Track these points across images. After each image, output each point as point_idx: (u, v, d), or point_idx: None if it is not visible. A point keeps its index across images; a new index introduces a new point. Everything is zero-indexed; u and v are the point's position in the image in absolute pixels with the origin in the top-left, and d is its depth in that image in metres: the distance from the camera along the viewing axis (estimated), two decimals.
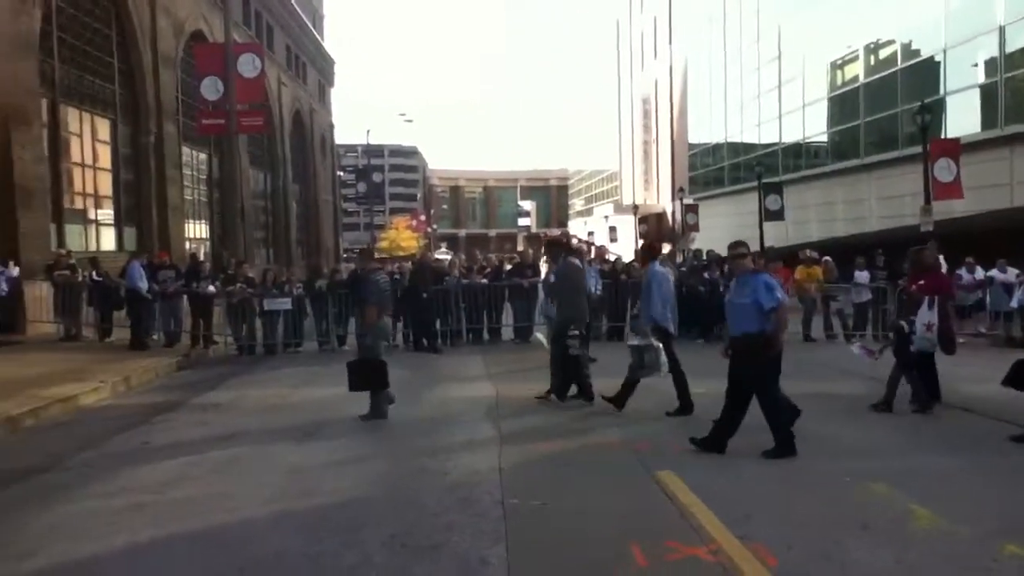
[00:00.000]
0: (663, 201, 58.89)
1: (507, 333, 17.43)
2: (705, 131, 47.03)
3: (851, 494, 6.13)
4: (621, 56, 72.55)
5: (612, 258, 18.89)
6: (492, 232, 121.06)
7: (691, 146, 49.82)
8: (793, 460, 7.13)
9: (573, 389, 10.02)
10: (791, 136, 36.05)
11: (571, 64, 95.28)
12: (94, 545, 5.31)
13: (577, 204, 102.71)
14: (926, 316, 9.21)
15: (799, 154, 35.54)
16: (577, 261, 10.50)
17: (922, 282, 9.65)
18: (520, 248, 52.65)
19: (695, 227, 41.50)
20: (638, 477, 6.72)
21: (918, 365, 9.40)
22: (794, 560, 4.79)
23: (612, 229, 62.34)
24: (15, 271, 16.74)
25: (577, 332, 9.84)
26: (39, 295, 17.08)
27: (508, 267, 18.98)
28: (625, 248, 46.73)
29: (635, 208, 58.47)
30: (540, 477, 6.79)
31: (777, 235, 31.85)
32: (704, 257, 19.55)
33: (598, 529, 5.44)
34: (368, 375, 9.26)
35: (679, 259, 23.77)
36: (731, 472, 6.80)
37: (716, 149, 45.41)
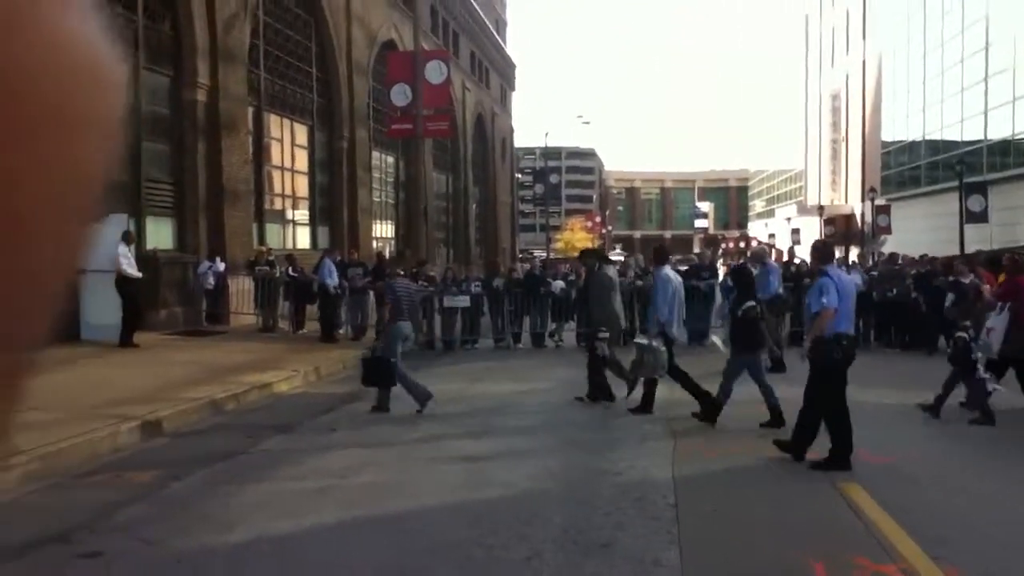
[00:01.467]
0: (851, 202, 55.92)
1: (681, 335, 17.11)
2: (900, 128, 44.28)
3: None
4: (809, 51, 69.61)
5: (798, 260, 18.16)
6: (668, 234, 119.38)
7: (884, 144, 47.03)
8: (993, 479, 6.61)
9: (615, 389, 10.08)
10: (998, 132, 33.31)
11: (753, 61, 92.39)
12: (286, 523, 5.69)
13: (758, 205, 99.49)
14: (993, 321, 9.09)
15: (1006, 152, 32.79)
16: (610, 270, 10.56)
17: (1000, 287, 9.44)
18: (696, 250, 51.62)
19: (887, 229, 39.17)
20: (820, 487, 6.45)
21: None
22: None
23: (795, 231, 59.87)
24: (222, 266, 18.15)
25: (607, 334, 10.19)
26: (242, 289, 18.45)
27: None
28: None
29: (820, 209, 55.84)
30: (715, 482, 6.66)
31: (980, 238, 29.55)
32: (900, 261, 18.44)
33: (777, 539, 5.27)
34: (378, 373, 9.68)
35: (869, 262, 22.50)
36: (923, 488, 6.39)
37: (912, 147, 42.64)
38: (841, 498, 6.13)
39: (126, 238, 14.33)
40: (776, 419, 8.57)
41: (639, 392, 9.67)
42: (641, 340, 9.66)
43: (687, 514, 5.71)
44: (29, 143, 0.27)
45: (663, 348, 9.34)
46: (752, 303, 9.02)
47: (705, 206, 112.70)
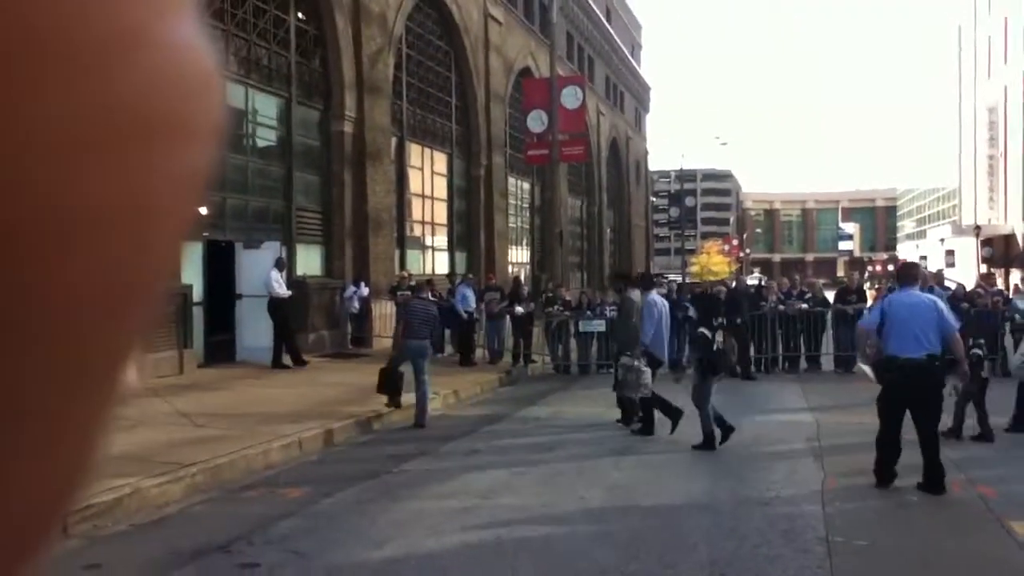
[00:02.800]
0: (1011, 221, 52.47)
1: (827, 362, 16.47)
2: None
3: None
4: (963, 64, 66.05)
5: (953, 285, 17.18)
6: (809, 256, 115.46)
7: None
8: None
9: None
10: None
11: (901, 76, 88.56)
12: (432, 542, 5.81)
13: (907, 226, 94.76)
14: None
15: None
16: (634, 294, 10.46)
17: None
18: (840, 273, 49.51)
19: None
20: (985, 524, 6.04)
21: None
22: None
23: (949, 253, 56.63)
24: (366, 291, 18.81)
25: (630, 356, 10.14)
26: (384, 313, 19.04)
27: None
28: (966, 274, 42.24)
29: (977, 229, 52.62)
30: (868, 515, 6.35)
31: None
32: None
33: None
34: (385, 382, 10.86)
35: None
36: None
37: None
38: (1008, 534, 5.72)
39: (279, 264, 15.14)
40: (706, 442, 8.86)
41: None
42: (626, 360, 10.03)
43: (840, 549, 5.46)
44: (151, 154, 0.29)
45: (646, 368, 9.77)
46: (702, 329, 9.38)
47: (850, 227, 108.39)
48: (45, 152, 0.27)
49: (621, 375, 10.02)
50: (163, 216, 0.30)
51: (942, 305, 7.25)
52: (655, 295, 10.42)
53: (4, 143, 0.26)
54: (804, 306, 16.83)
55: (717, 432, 8.91)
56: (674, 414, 9.70)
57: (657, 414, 9.82)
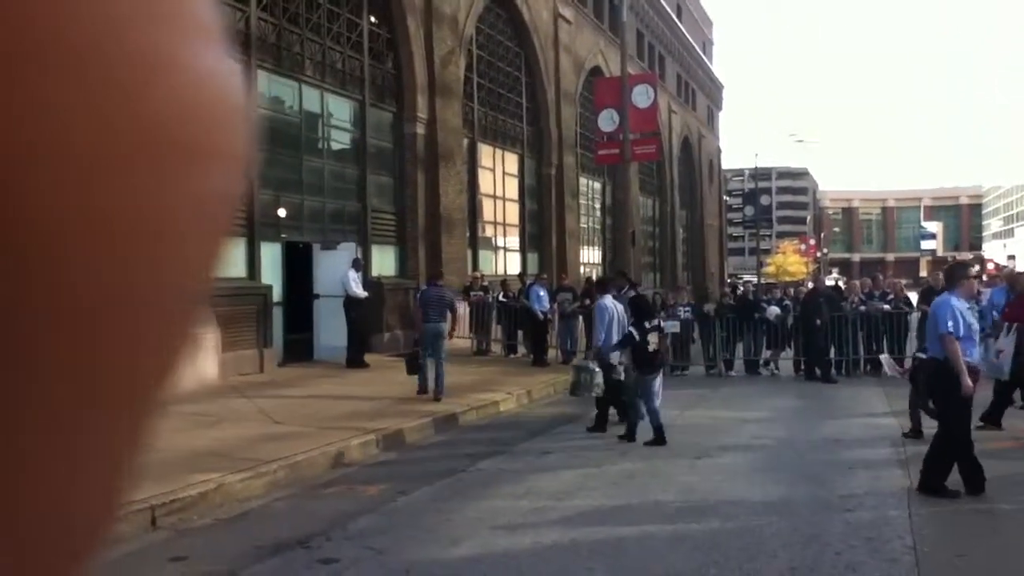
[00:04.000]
0: None
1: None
2: None
3: None
4: None
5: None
6: (890, 256, 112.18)
7: None
8: None
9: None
10: None
11: (985, 70, 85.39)
12: (505, 541, 5.82)
13: (993, 224, 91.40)
14: (1002, 343, 9.22)
15: None
16: (606, 299, 11.06)
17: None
18: (923, 274, 48.03)
19: None
20: None
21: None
22: None
23: None
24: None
25: (586, 358, 11.29)
26: (458, 314, 19.18)
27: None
28: None
29: None
30: (957, 523, 6.14)
31: None
32: None
33: None
34: (409, 364, 11.98)
35: None
36: None
37: None
38: None
39: (356, 264, 15.43)
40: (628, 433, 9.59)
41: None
42: (580, 362, 11.19)
43: (929, 559, 5.28)
44: (172, 179, 0.30)
45: (598, 370, 10.34)
46: (631, 329, 9.95)
47: (933, 226, 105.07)
48: (68, 165, 0.28)
49: (575, 377, 10.74)
50: (179, 236, 0.31)
51: (941, 308, 7.14)
52: (608, 300, 10.96)
53: (28, 149, 0.27)
54: (887, 307, 16.37)
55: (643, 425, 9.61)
56: (631, 415, 10.04)
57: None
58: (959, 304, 7.16)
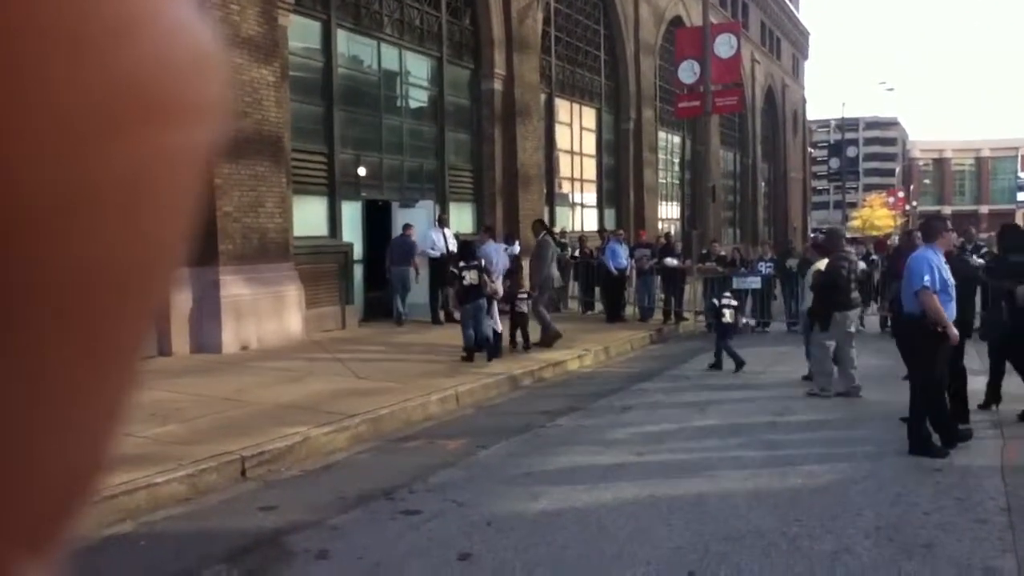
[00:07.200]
0: None
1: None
2: None
3: None
4: None
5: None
6: (984, 208, 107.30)
7: None
8: None
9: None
10: None
11: None
12: (585, 496, 5.86)
13: None
14: None
15: None
16: (549, 238, 14.14)
17: None
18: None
19: None
20: None
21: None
22: None
23: None
24: (517, 248, 19.00)
25: (526, 294, 12.90)
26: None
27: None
28: None
29: None
30: None
31: None
32: None
33: None
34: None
35: None
36: None
37: None
38: None
39: (441, 222, 15.65)
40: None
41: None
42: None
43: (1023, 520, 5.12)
44: (152, 134, 0.30)
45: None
46: (452, 269, 11.77)
47: None
48: (47, 129, 0.28)
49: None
50: (161, 194, 0.31)
51: (917, 263, 6.94)
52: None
53: (8, 119, 0.27)
54: (981, 262, 15.70)
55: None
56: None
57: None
58: (936, 258, 6.94)
